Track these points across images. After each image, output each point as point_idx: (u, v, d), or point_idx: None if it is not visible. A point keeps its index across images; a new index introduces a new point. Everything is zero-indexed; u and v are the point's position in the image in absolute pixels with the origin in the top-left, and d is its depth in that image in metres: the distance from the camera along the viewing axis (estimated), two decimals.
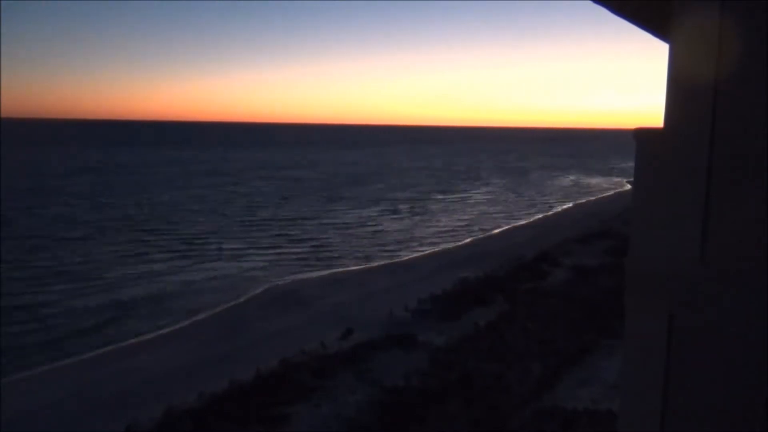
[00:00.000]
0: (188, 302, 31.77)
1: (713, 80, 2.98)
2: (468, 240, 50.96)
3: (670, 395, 3.15)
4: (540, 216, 65.51)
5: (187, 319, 29.16)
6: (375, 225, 57.22)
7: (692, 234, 3.07)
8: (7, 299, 31.26)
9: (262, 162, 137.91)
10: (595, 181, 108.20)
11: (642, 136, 3.28)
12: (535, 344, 23.09)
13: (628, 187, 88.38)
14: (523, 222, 61.36)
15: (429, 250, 46.35)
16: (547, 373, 20.67)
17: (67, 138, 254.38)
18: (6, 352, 24.75)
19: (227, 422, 17.57)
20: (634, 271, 3.26)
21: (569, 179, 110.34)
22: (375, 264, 41.05)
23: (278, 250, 44.88)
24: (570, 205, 74.89)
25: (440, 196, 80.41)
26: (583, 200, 79.56)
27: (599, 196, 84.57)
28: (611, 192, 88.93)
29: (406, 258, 43.23)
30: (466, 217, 63.95)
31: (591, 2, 3.34)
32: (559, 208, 71.82)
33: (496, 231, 55.81)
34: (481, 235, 53.04)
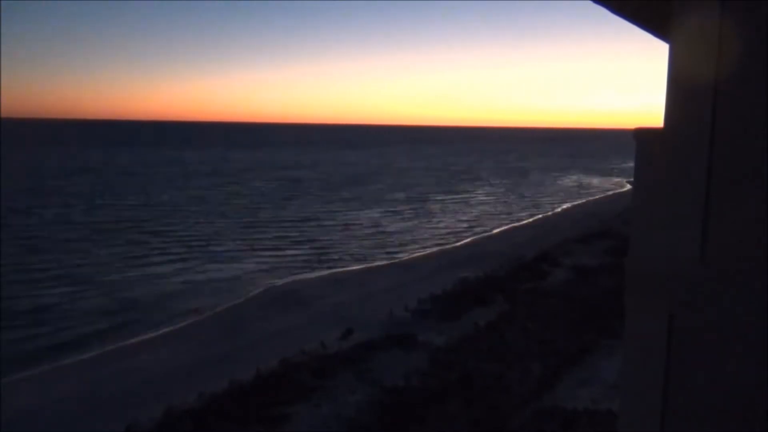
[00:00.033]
0: (188, 302, 31.75)
1: (713, 80, 2.98)
2: (468, 240, 50.95)
3: (670, 395, 3.15)
4: (540, 216, 65.50)
5: (187, 319, 29.17)
6: (375, 225, 57.20)
7: (692, 234, 3.07)
8: (7, 299, 31.24)
9: (262, 162, 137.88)
10: (595, 181, 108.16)
11: (642, 136, 3.28)
12: (535, 344, 23.09)
13: (628, 187, 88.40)
14: (523, 222, 61.39)
15: (429, 250, 46.36)
16: (547, 373, 20.66)
17: (67, 138, 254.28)
18: (6, 352, 24.74)
19: (227, 422, 17.57)
20: (634, 271, 3.26)
21: (569, 179, 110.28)
22: (375, 264, 41.03)
23: (278, 251, 44.87)
24: (570, 205, 74.88)
25: (440, 197, 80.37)
26: (583, 200, 79.55)
27: (599, 196, 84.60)
28: (611, 192, 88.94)
29: (406, 258, 43.22)
30: (465, 217, 63.91)
31: (591, 2, 3.34)
32: (559, 208, 71.81)
33: (496, 231, 55.80)
34: (481, 235, 53.04)
